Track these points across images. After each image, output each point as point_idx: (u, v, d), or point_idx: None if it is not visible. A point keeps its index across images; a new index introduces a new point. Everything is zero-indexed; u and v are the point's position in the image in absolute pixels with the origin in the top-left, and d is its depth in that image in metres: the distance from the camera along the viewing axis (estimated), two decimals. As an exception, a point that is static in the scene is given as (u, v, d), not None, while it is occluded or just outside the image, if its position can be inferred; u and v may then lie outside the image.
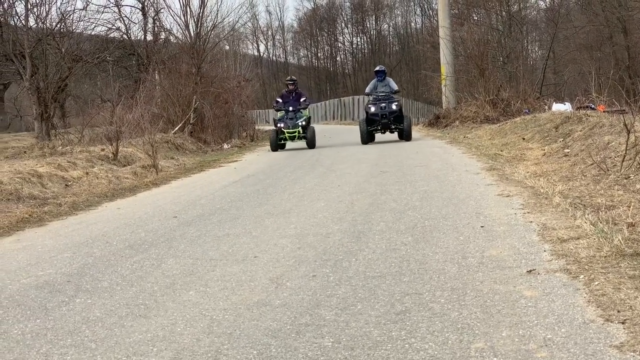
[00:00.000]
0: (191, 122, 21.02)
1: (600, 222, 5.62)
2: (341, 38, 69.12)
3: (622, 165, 8.78)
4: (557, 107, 24.45)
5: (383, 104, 17.99)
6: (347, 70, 70.40)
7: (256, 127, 28.65)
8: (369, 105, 18.37)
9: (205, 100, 21.76)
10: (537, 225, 5.91)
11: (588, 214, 6.13)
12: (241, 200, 8.94)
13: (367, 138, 17.86)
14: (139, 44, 29.05)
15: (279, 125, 17.89)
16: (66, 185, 11.50)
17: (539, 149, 15.11)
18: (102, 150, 14.55)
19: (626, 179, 8.35)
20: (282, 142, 17.98)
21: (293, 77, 19.83)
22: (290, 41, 74.31)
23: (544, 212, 6.64)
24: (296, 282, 4.54)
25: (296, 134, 17.56)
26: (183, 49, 23.82)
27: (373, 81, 19.03)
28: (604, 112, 21.46)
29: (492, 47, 27.14)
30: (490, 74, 25.29)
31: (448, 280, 4.36)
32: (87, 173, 12.71)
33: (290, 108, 18.10)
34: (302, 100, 18.60)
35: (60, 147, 16.38)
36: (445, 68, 26.77)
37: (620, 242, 4.80)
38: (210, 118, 21.61)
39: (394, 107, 17.91)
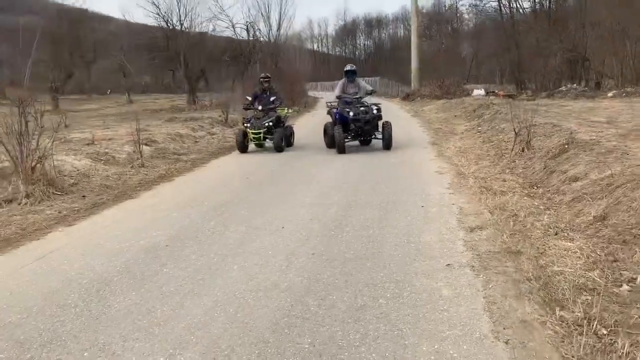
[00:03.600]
0: None
1: (495, 211, 5.88)
2: (358, 42, 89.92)
3: (511, 154, 9.24)
4: (476, 92, 29.53)
5: (363, 108, 11.62)
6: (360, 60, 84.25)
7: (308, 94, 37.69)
8: (345, 109, 11.58)
9: (279, 82, 25.92)
10: (457, 209, 6.13)
11: (488, 200, 6.39)
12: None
13: (343, 146, 11.40)
14: (245, 50, 36.11)
15: (245, 125, 12.62)
16: (195, 141, 14.57)
17: (463, 125, 16.16)
18: (220, 116, 19.09)
19: (512, 162, 8.88)
20: (247, 143, 12.45)
21: (267, 74, 13.89)
22: (331, 43, 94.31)
23: (462, 193, 6.93)
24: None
25: (260, 135, 12.27)
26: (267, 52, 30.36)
27: (342, 81, 12.52)
28: (502, 96, 27.42)
29: (440, 53, 35.07)
30: (439, 69, 34.07)
31: (395, 270, 4.31)
32: (209, 133, 16.22)
33: (259, 107, 12.63)
34: (271, 99, 12.97)
35: (198, 111, 23.68)
36: (413, 65, 36.94)
37: (507, 238, 4.93)
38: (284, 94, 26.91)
39: (375, 111, 11.69)
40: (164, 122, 17.90)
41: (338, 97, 12.02)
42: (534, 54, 33.73)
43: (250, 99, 13.02)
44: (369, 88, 12.46)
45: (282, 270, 4.47)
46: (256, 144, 12.65)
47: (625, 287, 3.78)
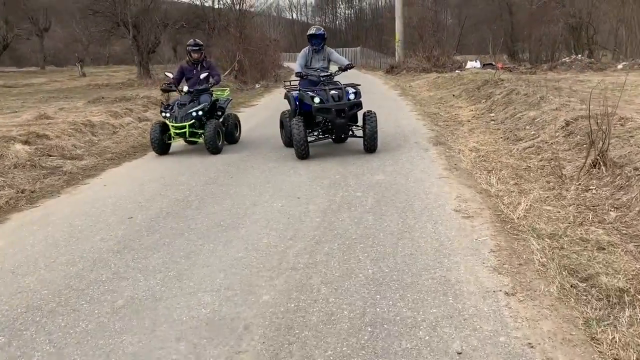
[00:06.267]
0: (235, 69, 23.58)
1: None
2: (339, 11, 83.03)
3: (579, 174, 5.36)
4: (470, 64, 25.78)
5: (334, 91, 7.30)
6: (342, 30, 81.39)
7: (283, 65, 32.80)
8: (308, 93, 7.31)
9: (245, 55, 24.33)
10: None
11: (590, 310, 2.82)
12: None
13: (305, 149, 7.29)
14: (208, 15, 31.34)
15: (163, 114, 8.22)
16: (113, 132, 10.69)
17: (467, 108, 12.16)
18: (161, 95, 13.18)
19: (586, 191, 5.01)
20: (169, 141, 8.28)
21: (198, 40, 8.98)
22: (310, 12, 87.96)
23: (540, 299, 3.24)
24: None
25: (185, 130, 8.02)
26: (231, 20, 26.73)
27: (304, 51, 8.01)
28: (502, 68, 23.37)
29: (428, 20, 29.95)
30: (426, 38, 28.61)
31: None
32: (138, 119, 11.97)
33: (185, 88, 8.35)
34: (202, 77, 8.38)
35: (148, 87, 19.49)
36: (398, 34, 31.22)
37: None
38: (247, 67, 24.18)
39: (352, 96, 7.33)
40: (85, 103, 13.64)
41: (299, 75, 7.77)
42: (530, 21, 29.68)
43: (171, 75, 8.68)
44: (344, 61, 7.94)
45: None
46: (186, 141, 8.57)
47: None
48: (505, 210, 4.61)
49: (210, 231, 4.52)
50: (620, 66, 23.17)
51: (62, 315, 3.19)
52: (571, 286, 3.18)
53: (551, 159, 6.21)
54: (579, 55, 24.99)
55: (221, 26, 26.99)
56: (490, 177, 5.75)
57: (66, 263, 3.99)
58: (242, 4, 26.05)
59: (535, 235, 3.98)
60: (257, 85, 23.38)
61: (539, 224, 4.23)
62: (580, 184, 5.07)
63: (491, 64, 24.08)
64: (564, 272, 3.36)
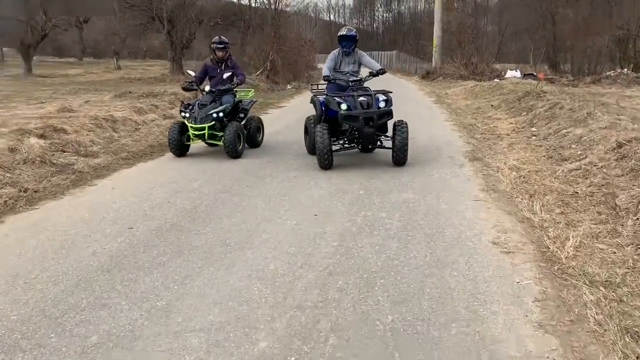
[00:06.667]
0: (267, 69, 23.05)
1: None
2: (377, 14, 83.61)
3: (638, 207, 4.57)
4: (510, 73, 24.76)
5: (363, 98, 6.68)
6: (379, 33, 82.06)
7: (317, 67, 31.23)
8: (335, 98, 6.75)
9: (279, 54, 23.74)
10: None
11: None
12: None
13: (329, 159, 6.74)
14: (244, 15, 30.45)
15: (182, 114, 7.77)
16: (135, 128, 10.27)
17: (507, 120, 11.42)
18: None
19: None
20: (188, 142, 7.82)
21: (224, 37, 8.46)
22: (348, 13, 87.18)
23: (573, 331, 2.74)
24: None
25: (204, 132, 7.55)
26: (267, 19, 26.17)
27: (334, 53, 7.45)
28: (544, 79, 22.34)
29: (467, 26, 29.21)
30: (465, 45, 27.77)
31: None
32: (163, 115, 11.66)
33: (207, 88, 7.83)
34: (225, 76, 7.87)
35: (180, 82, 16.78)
36: (436, 39, 29.80)
37: None
38: (280, 67, 23.64)
39: (382, 103, 6.71)
40: (111, 97, 13.36)
41: (327, 79, 7.16)
42: (574, 32, 28.47)
43: (193, 74, 8.21)
44: (376, 66, 7.29)
45: None
46: (206, 142, 8.04)
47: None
48: (551, 246, 3.97)
49: (213, 251, 4.00)
50: (670, 82, 21.95)
51: (24, 351, 2.71)
52: (637, 358, 2.54)
53: (602, 185, 5.49)
54: (625, 69, 23.77)
55: (256, 25, 26.53)
56: (532, 203, 5.10)
57: (47, 281, 3.52)
58: (279, 3, 25.51)
59: (587, 282, 3.34)
60: (288, 86, 23.00)
61: (591, 266, 3.58)
62: (638, 218, 4.37)
63: (532, 74, 23.11)
64: (626, 338, 2.72)
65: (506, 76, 23.25)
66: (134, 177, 6.58)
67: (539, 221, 4.57)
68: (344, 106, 6.58)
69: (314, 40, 37.09)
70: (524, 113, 11.38)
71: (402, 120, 6.89)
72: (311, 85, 7.84)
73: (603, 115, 8.56)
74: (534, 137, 9.22)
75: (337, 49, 7.46)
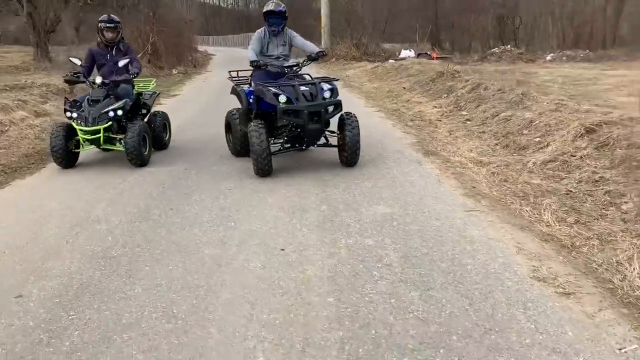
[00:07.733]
0: (149, 52, 21.26)
1: None
2: None
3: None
4: (404, 52, 24.15)
5: (304, 88, 5.37)
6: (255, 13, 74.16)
7: (199, 49, 29.75)
8: (268, 88, 5.34)
9: (160, 36, 22.00)
10: None
11: None
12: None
13: (269, 164, 5.36)
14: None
15: (68, 114, 5.93)
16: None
17: (429, 104, 10.58)
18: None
19: None
20: (77, 149, 6.10)
21: (114, 16, 6.52)
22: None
23: None
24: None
25: (99, 136, 5.88)
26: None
27: (259, 33, 6.01)
28: (436, 58, 22.49)
29: (355, 5, 28.52)
30: (353, 24, 27.15)
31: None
32: (33, 113, 9.35)
33: (98, 80, 6.02)
34: (121, 64, 6.25)
35: (46, 71, 16.18)
36: (324, 19, 29.02)
37: None
38: (163, 50, 21.92)
39: (327, 93, 5.45)
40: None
41: (255, 65, 5.76)
42: (456, 10, 29.00)
43: (78, 62, 6.28)
44: (313, 48, 6.09)
45: None
46: (102, 149, 6.37)
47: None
48: (613, 279, 3.00)
49: (158, 339, 2.56)
50: (548, 57, 22.85)
51: None
52: None
53: (595, 181, 4.72)
54: (509, 46, 24.50)
55: (132, 4, 23.91)
56: (537, 211, 4.18)
57: None
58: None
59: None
60: (174, 71, 21.32)
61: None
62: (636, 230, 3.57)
63: (426, 53, 22.98)
64: None
65: (401, 56, 22.91)
66: (10, 204, 4.80)
67: (566, 238, 3.65)
68: (282, 98, 5.26)
69: (193, 20, 34.94)
70: (444, 95, 10.72)
71: (350, 112, 5.70)
72: (229, 72, 6.37)
73: (542, 97, 7.98)
74: (468, 122, 8.49)
75: (262, 28, 6.13)
